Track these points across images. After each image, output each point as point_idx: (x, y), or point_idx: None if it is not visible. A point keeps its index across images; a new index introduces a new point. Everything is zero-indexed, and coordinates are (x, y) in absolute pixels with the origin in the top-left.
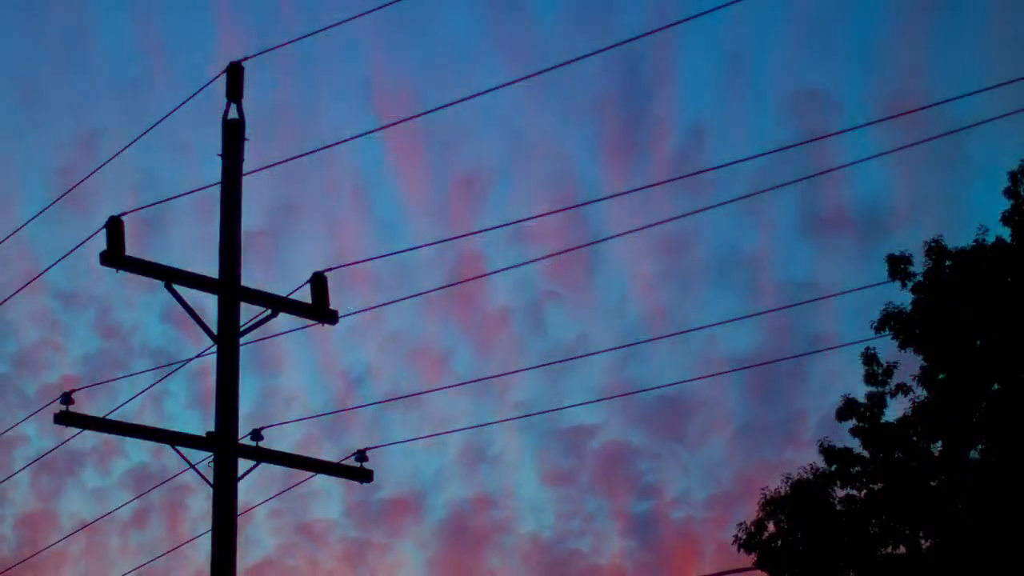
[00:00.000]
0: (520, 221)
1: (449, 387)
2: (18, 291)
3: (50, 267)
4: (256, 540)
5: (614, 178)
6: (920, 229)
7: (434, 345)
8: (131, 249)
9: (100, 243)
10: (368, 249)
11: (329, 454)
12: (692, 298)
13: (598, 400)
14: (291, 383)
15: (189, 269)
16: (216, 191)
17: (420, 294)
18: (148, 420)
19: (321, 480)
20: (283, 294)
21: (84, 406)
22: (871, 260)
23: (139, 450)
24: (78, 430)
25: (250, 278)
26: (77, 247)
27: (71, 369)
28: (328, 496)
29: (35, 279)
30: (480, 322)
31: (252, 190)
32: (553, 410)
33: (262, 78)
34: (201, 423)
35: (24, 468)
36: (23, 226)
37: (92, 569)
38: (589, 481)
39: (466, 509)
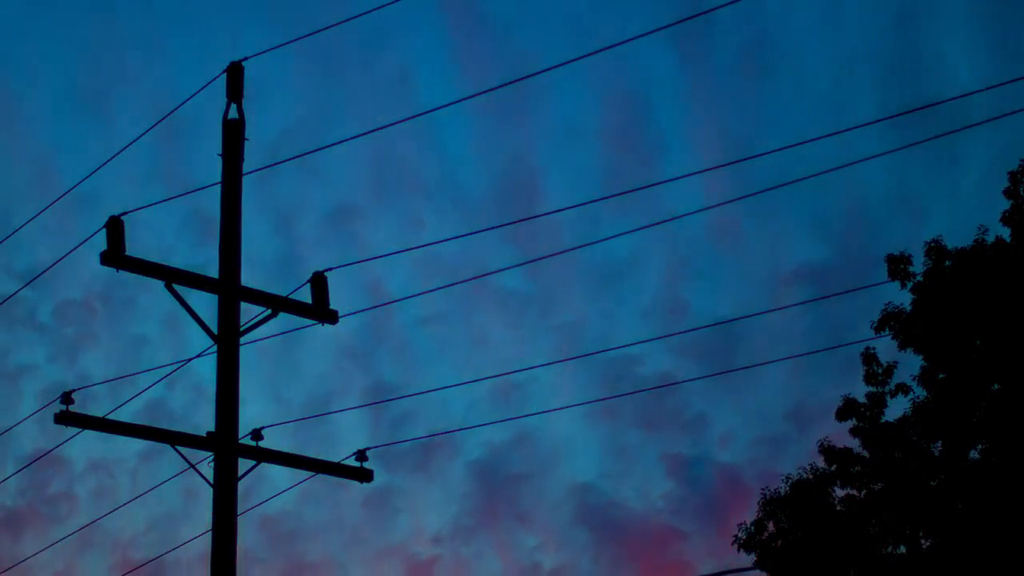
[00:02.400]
0: (554, 210)
1: (449, 386)
2: (18, 291)
3: (50, 267)
4: (271, 486)
5: (683, 67)
6: (1008, 127)
7: (476, 260)
8: (131, 248)
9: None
10: (413, 140)
11: (358, 384)
12: (758, 208)
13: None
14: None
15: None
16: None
17: (425, 292)
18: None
19: (343, 417)
20: (323, 193)
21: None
22: (956, 163)
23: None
24: (78, 429)
25: (288, 177)
26: (77, 247)
27: (88, 287)
28: (351, 435)
29: (36, 279)
30: (527, 234)
31: (298, 78)
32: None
33: None
34: (201, 422)
35: (21, 470)
36: (31, 220)
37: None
38: (634, 416)
39: (501, 449)
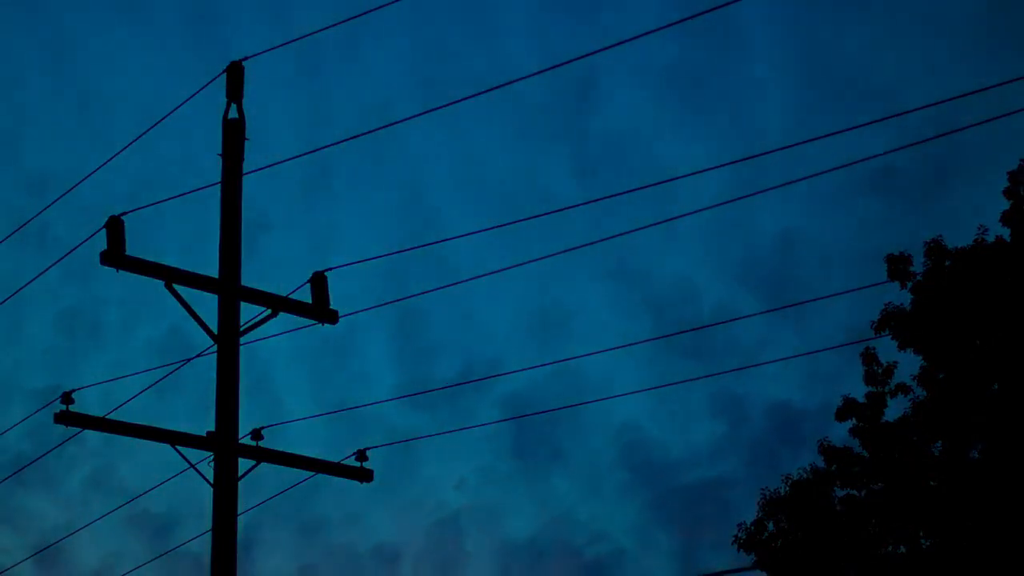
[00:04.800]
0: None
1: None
2: (27, 284)
3: (51, 266)
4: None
5: None
6: None
7: (522, 173)
8: (131, 248)
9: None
10: (457, 36)
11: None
12: (832, 107)
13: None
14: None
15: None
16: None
17: (425, 292)
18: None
19: (362, 357)
20: (362, 90)
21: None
22: None
23: (159, 320)
24: (78, 429)
25: (326, 72)
26: (77, 247)
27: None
28: (371, 378)
29: (42, 273)
30: (581, 148)
31: None
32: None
33: None
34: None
35: (22, 469)
36: (45, 207)
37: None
38: (682, 350)
39: (537, 384)
